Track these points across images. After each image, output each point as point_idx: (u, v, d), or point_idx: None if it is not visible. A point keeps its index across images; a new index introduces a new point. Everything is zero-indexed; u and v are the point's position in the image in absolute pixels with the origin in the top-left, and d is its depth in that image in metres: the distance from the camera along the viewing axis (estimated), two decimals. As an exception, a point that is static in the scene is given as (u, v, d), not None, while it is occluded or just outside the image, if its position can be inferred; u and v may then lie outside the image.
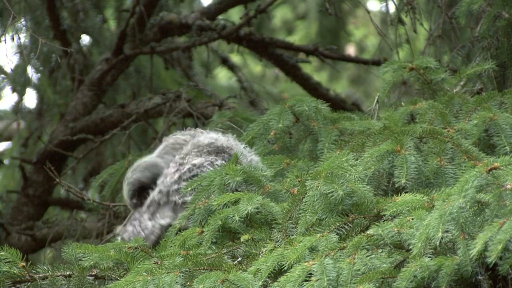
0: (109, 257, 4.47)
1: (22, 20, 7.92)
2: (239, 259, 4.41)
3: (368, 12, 7.85)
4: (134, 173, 5.17)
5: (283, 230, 4.44)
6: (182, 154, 5.09)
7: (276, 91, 11.08)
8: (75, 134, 7.78)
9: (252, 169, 4.81)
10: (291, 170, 5.15)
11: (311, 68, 12.69)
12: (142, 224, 4.96)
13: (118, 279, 4.37)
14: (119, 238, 5.08)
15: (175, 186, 4.95)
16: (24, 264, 4.36)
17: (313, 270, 4.01)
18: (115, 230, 5.30)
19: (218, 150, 5.08)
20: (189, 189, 4.84)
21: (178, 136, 5.27)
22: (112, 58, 7.93)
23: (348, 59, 8.78)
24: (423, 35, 8.25)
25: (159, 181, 5.06)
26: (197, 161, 5.01)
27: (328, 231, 4.28)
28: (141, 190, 5.15)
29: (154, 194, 5.01)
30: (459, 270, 3.84)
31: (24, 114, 8.73)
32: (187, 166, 4.99)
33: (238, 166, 4.80)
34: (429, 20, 7.50)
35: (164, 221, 4.93)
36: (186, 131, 5.34)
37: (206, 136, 5.17)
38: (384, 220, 4.24)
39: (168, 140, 5.26)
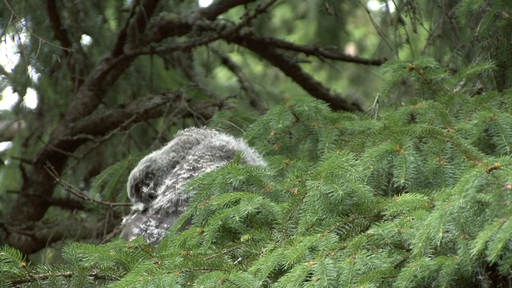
0: (109, 257, 4.47)
1: (23, 20, 7.92)
2: (239, 259, 4.41)
3: (368, 12, 7.85)
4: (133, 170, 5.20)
5: (283, 230, 4.44)
6: (195, 155, 5.09)
7: (277, 91, 11.08)
8: (75, 134, 7.78)
9: (254, 169, 4.81)
10: (290, 170, 5.16)
11: (310, 68, 12.69)
12: (148, 230, 4.96)
13: (118, 279, 4.37)
14: (121, 234, 5.09)
15: (185, 196, 4.94)
16: (24, 264, 4.36)
17: (314, 270, 4.01)
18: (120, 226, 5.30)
19: (229, 154, 5.09)
20: (191, 188, 4.83)
21: (191, 134, 5.27)
22: (112, 58, 7.93)
23: (348, 59, 8.78)
24: (423, 35, 8.25)
25: (169, 181, 5.05)
26: (211, 169, 5.00)
27: (328, 231, 4.28)
28: (138, 186, 5.18)
29: (164, 202, 5.00)
30: (459, 270, 3.84)
31: (24, 114, 8.74)
32: (201, 175, 4.97)
33: (240, 165, 4.80)
34: (429, 20, 7.50)
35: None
36: (201, 129, 5.34)
37: (218, 138, 5.18)
38: (384, 220, 4.24)
39: (181, 137, 5.27)
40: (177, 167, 5.10)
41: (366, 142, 4.94)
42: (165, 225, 4.93)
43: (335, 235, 4.24)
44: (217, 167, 4.98)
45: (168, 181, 5.06)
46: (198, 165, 5.04)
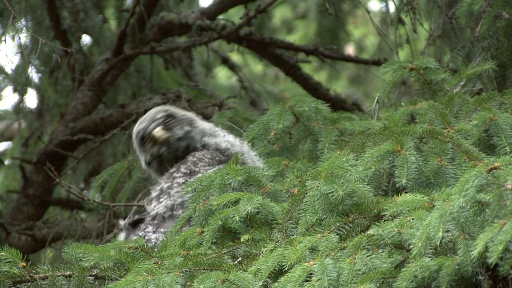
0: (109, 257, 4.47)
1: (23, 20, 7.92)
2: (239, 259, 4.41)
3: (368, 12, 7.85)
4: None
5: (283, 230, 4.44)
6: (195, 157, 5.11)
7: (277, 91, 11.08)
8: (75, 134, 7.79)
9: (253, 169, 4.81)
10: (290, 171, 5.15)
11: (310, 68, 12.69)
12: (146, 237, 4.98)
13: (118, 279, 4.37)
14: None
15: (180, 200, 4.95)
16: (24, 264, 4.36)
17: (314, 270, 4.02)
18: (118, 226, 5.32)
19: (229, 159, 5.10)
20: (189, 189, 4.84)
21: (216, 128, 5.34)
22: (112, 58, 7.93)
23: (348, 59, 8.79)
24: (423, 35, 8.25)
25: (164, 184, 5.07)
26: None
27: (328, 231, 4.28)
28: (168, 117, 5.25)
29: (159, 208, 5.02)
30: (460, 270, 3.84)
31: (24, 114, 8.74)
32: (200, 177, 4.98)
33: (238, 166, 4.80)
34: (429, 20, 7.50)
35: None
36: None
37: (224, 139, 5.20)
38: (384, 220, 4.24)
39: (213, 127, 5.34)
40: (174, 168, 5.11)
41: (367, 143, 4.94)
42: (162, 230, 4.95)
43: (335, 235, 4.24)
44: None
45: (163, 184, 5.08)
46: (196, 169, 5.06)
